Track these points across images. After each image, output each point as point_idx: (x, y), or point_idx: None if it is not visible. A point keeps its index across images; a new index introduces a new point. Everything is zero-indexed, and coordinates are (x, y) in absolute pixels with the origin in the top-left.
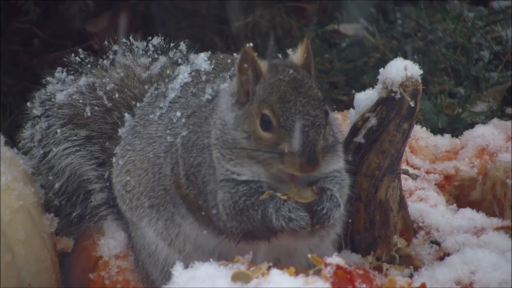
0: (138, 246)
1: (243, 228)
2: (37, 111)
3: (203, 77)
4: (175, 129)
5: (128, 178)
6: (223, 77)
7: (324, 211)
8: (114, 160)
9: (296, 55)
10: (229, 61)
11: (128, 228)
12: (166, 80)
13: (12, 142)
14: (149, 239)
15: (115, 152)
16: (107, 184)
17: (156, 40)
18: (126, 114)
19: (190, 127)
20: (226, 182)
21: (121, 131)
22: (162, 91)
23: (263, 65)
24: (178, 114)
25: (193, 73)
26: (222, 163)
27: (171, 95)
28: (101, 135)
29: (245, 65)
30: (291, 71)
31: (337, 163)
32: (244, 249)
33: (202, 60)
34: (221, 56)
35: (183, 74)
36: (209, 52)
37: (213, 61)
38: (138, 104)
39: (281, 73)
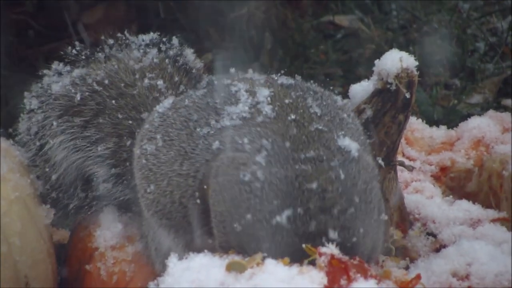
0: (148, 238)
1: None
2: (33, 105)
3: (258, 126)
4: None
5: (146, 185)
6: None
7: None
8: (136, 144)
9: None
10: (292, 117)
11: (141, 213)
12: (221, 93)
13: (7, 133)
14: (164, 244)
15: (137, 132)
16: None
17: (149, 36)
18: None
19: None
20: None
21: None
22: (214, 104)
23: None
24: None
25: (252, 110)
26: None
27: (226, 122)
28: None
29: None
30: None
31: None
32: None
33: (264, 98)
34: (286, 101)
35: (244, 105)
36: (272, 90)
37: (277, 104)
38: (183, 90)
39: None
